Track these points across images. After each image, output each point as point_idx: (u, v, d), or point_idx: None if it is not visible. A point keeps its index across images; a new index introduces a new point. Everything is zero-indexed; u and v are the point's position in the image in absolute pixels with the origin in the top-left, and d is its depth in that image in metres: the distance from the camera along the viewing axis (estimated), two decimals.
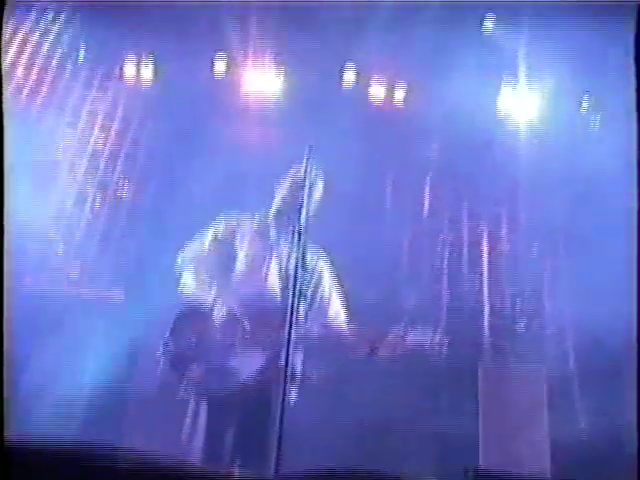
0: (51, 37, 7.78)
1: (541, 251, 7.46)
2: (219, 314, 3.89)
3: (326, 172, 4.19)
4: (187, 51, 7.25)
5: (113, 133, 7.67)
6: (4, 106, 2.85)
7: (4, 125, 2.72)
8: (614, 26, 5.16)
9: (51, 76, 7.75)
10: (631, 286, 3.34)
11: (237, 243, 4.12)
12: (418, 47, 6.93)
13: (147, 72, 7.45)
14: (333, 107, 7.08)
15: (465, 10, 6.89)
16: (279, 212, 4.10)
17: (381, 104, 7.53)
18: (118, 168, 7.57)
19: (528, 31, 6.90)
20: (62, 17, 7.81)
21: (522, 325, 7.16)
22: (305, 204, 3.51)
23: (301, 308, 3.89)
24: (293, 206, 3.67)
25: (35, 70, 7.73)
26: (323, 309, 4.07)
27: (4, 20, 2.88)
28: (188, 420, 3.91)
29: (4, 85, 3.22)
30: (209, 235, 4.18)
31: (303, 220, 3.44)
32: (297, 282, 3.26)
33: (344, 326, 4.07)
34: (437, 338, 3.84)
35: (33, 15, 7.77)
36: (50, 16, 7.79)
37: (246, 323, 3.85)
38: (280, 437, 2.84)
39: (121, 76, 7.64)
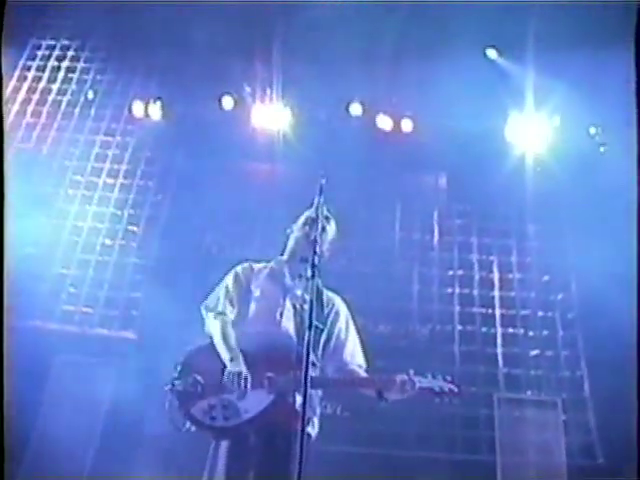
0: (61, 75, 7.95)
1: (553, 280, 7.45)
2: (234, 354, 3.88)
3: (337, 209, 4.22)
4: (195, 90, 7.33)
5: (122, 172, 7.73)
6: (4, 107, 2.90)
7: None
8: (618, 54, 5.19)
9: (62, 112, 7.89)
10: None
11: (253, 287, 4.13)
12: (423, 78, 6.99)
13: (155, 111, 7.53)
14: (341, 140, 7.12)
15: (468, 40, 6.97)
16: (293, 254, 4.10)
17: (388, 135, 7.59)
18: (129, 205, 7.62)
19: (533, 60, 6.95)
20: (72, 56, 8.00)
21: (536, 353, 7.14)
22: (318, 245, 3.52)
23: (317, 349, 3.93)
24: (307, 247, 3.68)
25: (48, 105, 7.88)
26: (338, 350, 4.06)
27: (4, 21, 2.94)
28: (206, 461, 3.89)
29: (3, 88, 3.30)
30: (227, 279, 4.19)
31: (317, 261, 3.45)
32: (312, 323, 3.25)
33: (359, 369, 4.06)
34: (447, 385, 3.84)
35: (43, 54, 7.96)
36: (59, 56, 7.97)
37: (261, 363, 3.84)
38: (300, 475, 2.84)
39: (130, 115, 7.73)
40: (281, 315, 4.03)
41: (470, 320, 7.30)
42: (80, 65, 8.25)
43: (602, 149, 7.35)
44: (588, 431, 6.53)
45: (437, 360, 6.59)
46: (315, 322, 3.26)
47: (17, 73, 8.06)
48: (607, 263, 5.95)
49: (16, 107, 7.85)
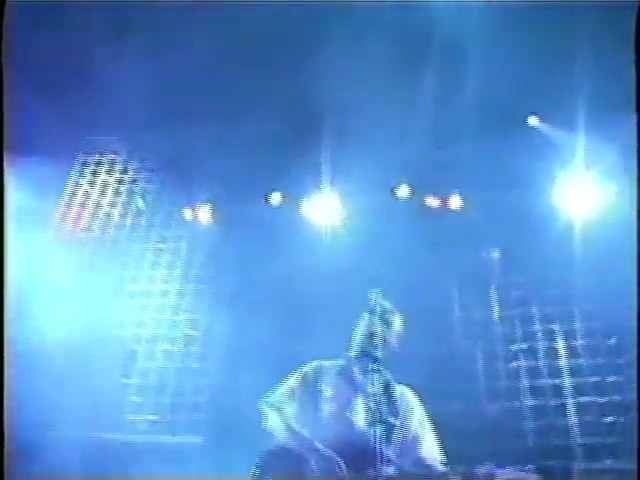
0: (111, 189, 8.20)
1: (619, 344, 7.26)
2: (309, 454, 3.85)
3: (396, 297, 4.21)
4: (241, 189, 7.47)
5: (176, 278, 7.84)
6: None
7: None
8: None
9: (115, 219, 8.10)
10: None
11: (322, 386, 4.12)
12: (469, 157, 7.03)
13: (205, 214, 7.68)
14: (390, 224, 7.15)
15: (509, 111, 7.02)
16: (361, 350, 4.08)
17: (437, 213, 7.60)
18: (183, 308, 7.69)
19: (583, 123, 6.92)
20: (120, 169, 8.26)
21: (610, 419, 6.93)
22: (385, 339, 3.53)
23: (392, 444, 3.88)
24: (373, 342, 3.68)
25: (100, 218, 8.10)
26: (415, 445, 4.00)
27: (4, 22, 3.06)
28: None
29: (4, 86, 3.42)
30: (293, 377, 4.20)
31: (383, 355, 3.45)
32: (384, 419, 3.22)
33: (437, 463, 3.98)
34: (529, 477, 3.74)
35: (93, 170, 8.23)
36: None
37: (338, 461, 3.80)
38: None
39: (181, 220, 7.89)
40: (353, 413, 4.01)
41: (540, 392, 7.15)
42: (127, 177, 8.53)
43: None
44: None
45: (509, 438, 6.49)
46: (387, 417, 3.23)
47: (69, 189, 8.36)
48: None
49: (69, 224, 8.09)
